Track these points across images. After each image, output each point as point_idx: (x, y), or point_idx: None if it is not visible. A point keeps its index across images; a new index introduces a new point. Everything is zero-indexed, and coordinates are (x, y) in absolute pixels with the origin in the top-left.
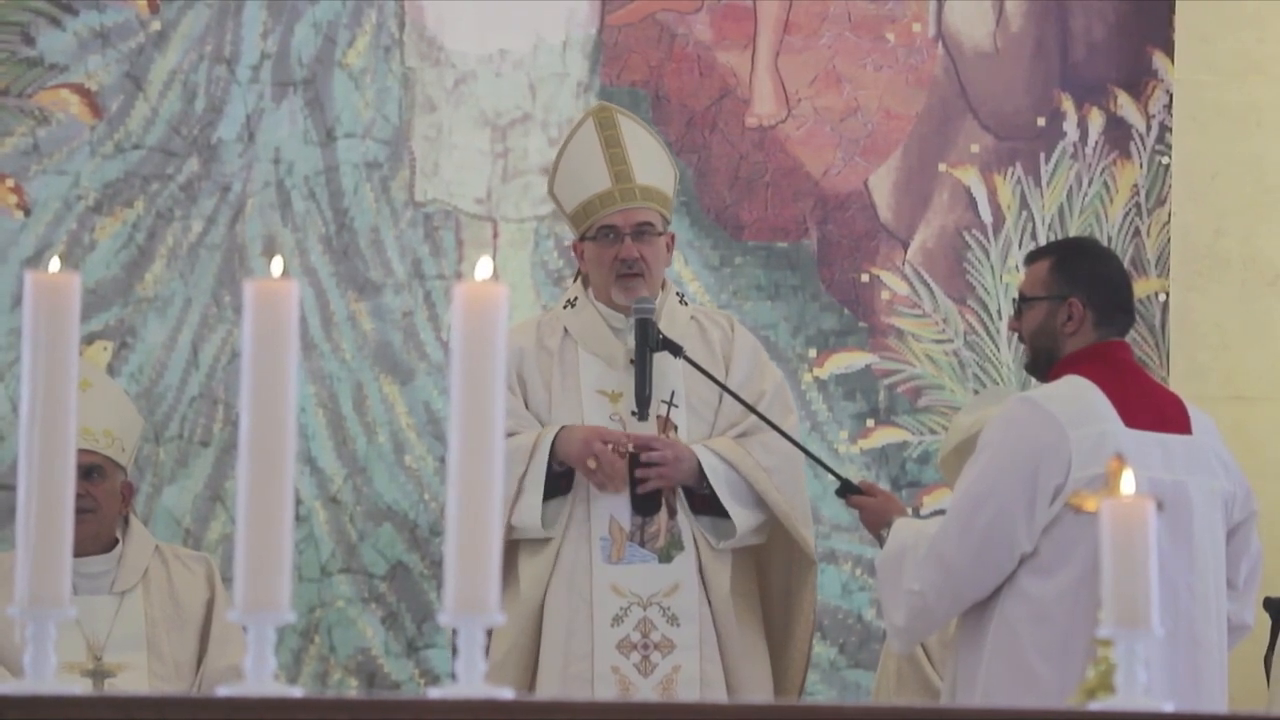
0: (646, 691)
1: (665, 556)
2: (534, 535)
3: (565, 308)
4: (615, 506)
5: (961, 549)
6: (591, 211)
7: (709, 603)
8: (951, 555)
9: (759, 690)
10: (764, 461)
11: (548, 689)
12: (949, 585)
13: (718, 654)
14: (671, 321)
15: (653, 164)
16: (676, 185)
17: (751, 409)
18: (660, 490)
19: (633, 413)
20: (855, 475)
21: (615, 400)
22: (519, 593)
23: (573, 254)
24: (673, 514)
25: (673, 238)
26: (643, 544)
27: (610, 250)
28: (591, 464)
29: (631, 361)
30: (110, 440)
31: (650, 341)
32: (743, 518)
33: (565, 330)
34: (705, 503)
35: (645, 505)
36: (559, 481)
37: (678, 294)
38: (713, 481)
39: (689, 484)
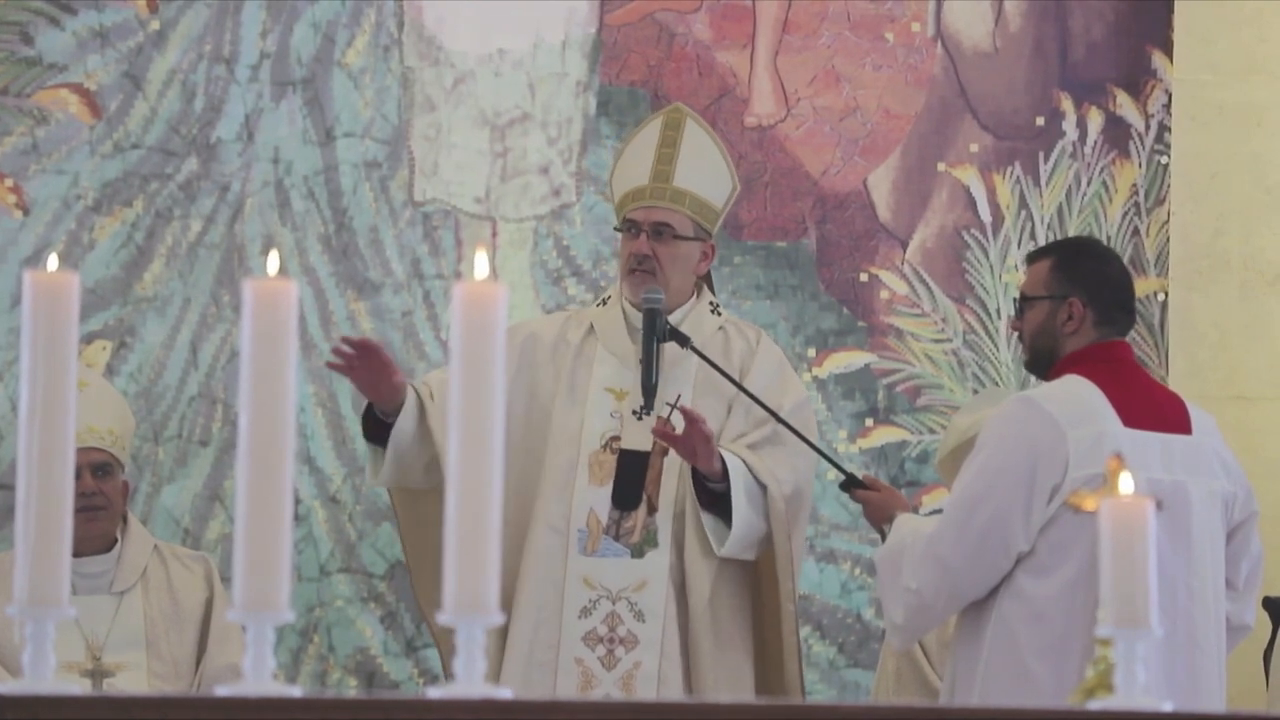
0: (608, 685)
1: (638, 552)
2: (373, 484)
3: (598, 304)
4: (596, 500)
5: (958, 548)
6: (625, 205)
7: (685, 604)
8: (948, 554)
9: (731, 693)
10: (783, 487)
11: (511, 675)
12: (946, 584)
13: (679, 654)
14: (697, 328)
15: (702, 172)
16: (730, 200)
17: (760, 403)
18: (643, 486)
19: (633, 412)
20: (857, 473)
21: (620, 398)
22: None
23: None
24: (652, 511)
25: (712, 248)
26: (617, 538)
27: (629, 245)
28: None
29: (641, 360)
30: (114, 438)
31: (658, 331)
32: (748, 523)
33: (591, 326)
34: (714, 501)
35: (625, 500)
36: (381, 432)
37: (711, 303)
38: (732, 479)
39: (707, 470)
